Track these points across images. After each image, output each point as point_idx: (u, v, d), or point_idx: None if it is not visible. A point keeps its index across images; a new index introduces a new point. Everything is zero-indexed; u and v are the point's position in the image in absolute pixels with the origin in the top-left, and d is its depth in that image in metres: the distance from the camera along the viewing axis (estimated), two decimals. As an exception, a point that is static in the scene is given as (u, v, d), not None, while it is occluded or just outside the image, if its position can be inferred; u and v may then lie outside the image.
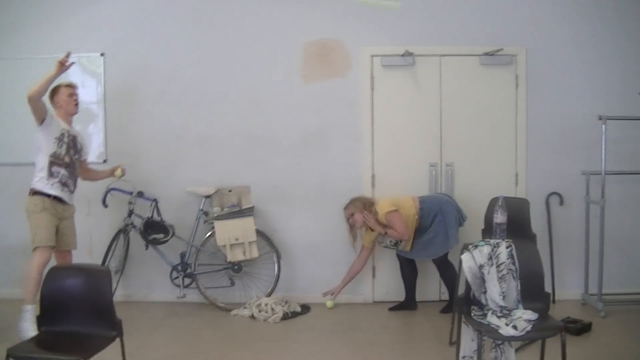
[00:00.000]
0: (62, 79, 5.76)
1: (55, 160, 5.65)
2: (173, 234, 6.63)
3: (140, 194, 6.67)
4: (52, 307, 4.16)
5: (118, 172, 6.27)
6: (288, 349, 5.59)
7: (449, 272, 6.45)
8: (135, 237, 6.70)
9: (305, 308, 6.67)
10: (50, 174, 5.62)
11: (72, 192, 5.84)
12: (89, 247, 6.73)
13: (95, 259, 6.59)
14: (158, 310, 6.67)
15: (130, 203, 6.67)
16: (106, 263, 6.44)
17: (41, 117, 5.56)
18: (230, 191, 6.83)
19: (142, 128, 6.99)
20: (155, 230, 6.58)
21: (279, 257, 6.79)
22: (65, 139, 5.73)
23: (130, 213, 6.66)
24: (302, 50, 6.90)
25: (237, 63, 6.93)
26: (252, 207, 6.82)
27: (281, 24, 6.93)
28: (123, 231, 6.69)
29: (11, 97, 6.72)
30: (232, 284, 6.79)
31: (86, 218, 6.73)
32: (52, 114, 5.71)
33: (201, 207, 6.75)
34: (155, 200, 6.68)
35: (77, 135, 5.91)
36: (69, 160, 5.75)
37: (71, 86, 5.91)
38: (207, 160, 6.95)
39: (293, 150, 6.94)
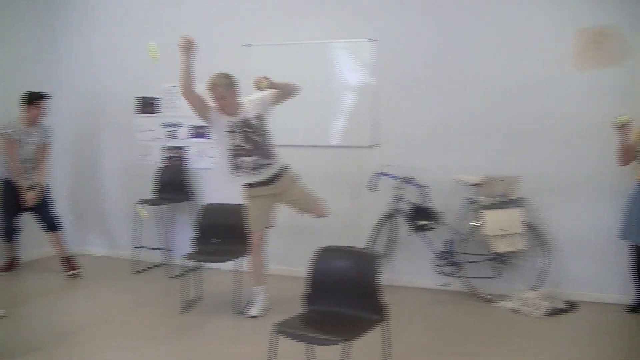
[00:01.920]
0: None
1: (236, 153, 5.79)
2: (440, 222, 6.59)
3: (409, 180, 6.70)
4: (319, 287, 4.25)
5: (264, 84, 5.88)
6: (550, 347, 5.32)
7: None
8: (402, 223, 6.75)
9: (572, 305, 6.30)
10: (236, 167, 5.81)
11: (267, 166, 5.86)
12: (355, 230, 6.86)
13: (362, 242, 6.69)
14: (421, 297, 6.69)
15: (398, 188, 6.72)
16: (371, 247, 6.56)
17: (201, 114, 5.79)
18: (499, 180, 6.62)
19: (412, 114, 6.98)
20: (422, 216, 6.59)
21: (547, 251, 6.49)
22: (238, 129, 5.77)
23: (399, 198, 6.72)
24: (575, 37, 6.46)
25: (507, 50, 6.66)
26: (521, 197, 6.57)
27: (550, 9, 6.54)
28: (390, 216, 6.78)
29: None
30: (497, 275, 6.60)
31: (354, 201, 6.87)
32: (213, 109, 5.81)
33: (469, 196, 6.63)
34: (424, 186, 6.67)
35: (248, 117, 5.81)
36: (251, 145, 5.81)
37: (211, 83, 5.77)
38: (475, 149, 6.79)
39: (565, 141, 6.53)
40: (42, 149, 7.27)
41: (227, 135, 5.76)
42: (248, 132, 5.76)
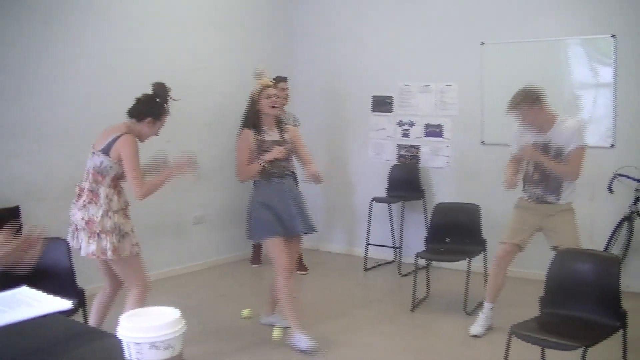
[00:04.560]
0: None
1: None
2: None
3: (645, 181, 6.40)
4: (557, 290, 4.20)
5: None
6: None
7: None
8: (640, 226, 6.45)
9: None
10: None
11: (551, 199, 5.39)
12: (590, 232, 6.63)
13: (597, 246, 6.44)
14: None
15: (637, 190, 6.45)
16: (608, 250, 6.33)
17: None
18: None
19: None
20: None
21: None
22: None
23: (637, 200, 6.45)
24: None
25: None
26: None
27: None
28: (627, 219, 6.51)
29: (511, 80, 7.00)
30: None
31: (589, 203, 6.66)
32: None
33: None
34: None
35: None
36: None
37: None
38: None
39: None
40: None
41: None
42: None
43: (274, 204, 5.21)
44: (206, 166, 6.49)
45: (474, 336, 5.46)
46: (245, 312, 5.98)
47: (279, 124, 5.40)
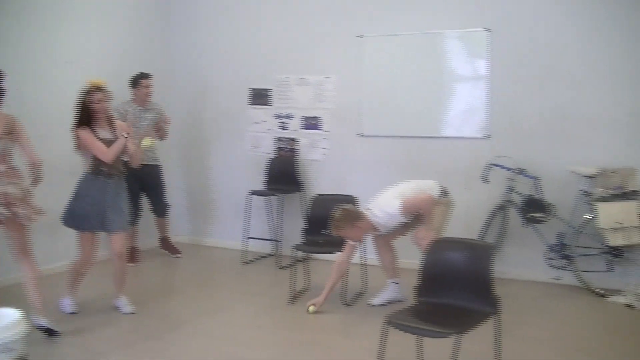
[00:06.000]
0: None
1: None
2: (552, 214, 6.48)
3: (521, 171, 6.61)
4: (432, 279, 4.24)
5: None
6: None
7: None
8: (513, 215, 6.68)
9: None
10: None
11: None
12: (467, 221, 6.81)
13: (473, 234, 6.68)
14: (531, 290, 6.61)
15: (510, 180, 6.65)
16: (482, 238, 6.52)
17: None
18: (614, 172, 6.43)
19: (526, 104, 6.88)
20: (535, 208, 6.51)
21: (664, 245, 6.30)
22: None
23: (510, 190, 6.65)
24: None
25: (624, 35, 6.47)
26: (638, 190, 6.36)
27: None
28: (502, 207, 6.73)
29: (389, 72, 7.09)
30: (611, 269, 6.44)
31: (465, 192, 6.84)
32: None
33: (583, 188, 6.48)
34: (536, 178, 6.58)
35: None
36: None
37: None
38: (591, 139, 6.63)
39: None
40: (158, 128, 7.55)
41: None
42: None
43: (93, 200, 5.52)
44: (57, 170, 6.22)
45: (372, 305, 5.97)
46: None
47: (110, 122, 5.63)
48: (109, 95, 5.59)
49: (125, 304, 5.83)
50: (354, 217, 5.68)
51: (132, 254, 7.47)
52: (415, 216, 5.74)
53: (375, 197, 5.87)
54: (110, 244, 5.68)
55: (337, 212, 5.65)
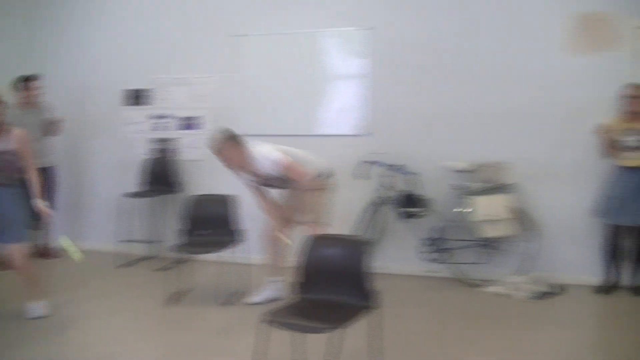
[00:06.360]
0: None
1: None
2: (429, 209, 6.63)
3: (398, 167, 6.73)
4: (309, 275, 4.26)
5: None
6: (539, 329, 5.37)
7: None
8: (391, 210, 6.80)
9: (559, 289, 6.36)
10: None
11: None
12: (347, 218, 6.86)
13: (351, 231, 6.73)
14: (410, 284, 6.73)
15: (388, 176, 6.76)
16: (361, 234, 6.61)
17: None
18: (487, 166, 6.65)
19: (403, 102, 7.01)
20: (411, 203, 6.65)
21: (535, 235, 6.55)
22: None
23: (388, 186, 6.76)
24: (568, 22, 6.51)
25: (501, 35, 6.72)
26: (509, 183, 6.62)
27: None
28: (379, 203, 6.83)
29: (268, 71, 7.06)
30: (486, 260, 6.66)
31: (346, 189, 6.89)
32: None
33: (456, 182, 6.66)
34: (413, 173, 6.70)
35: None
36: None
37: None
38: (466, 135, 6.83)
39: (554, 126, 6.61)
40: (47, 127, 7.41)
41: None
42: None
43: None
44: None
45: (252, 304, 5.89)
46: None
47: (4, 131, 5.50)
48: (4, 106, 5.49)
49: (35, 308, 5.66)
50: (236, 139, 5.70)
51: (45, 252, 7.59)
52: (287, 181, 5.76)
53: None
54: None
55: (219, 132, 5.68)
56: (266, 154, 5.65)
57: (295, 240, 5.22)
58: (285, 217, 5.93)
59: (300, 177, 5.64)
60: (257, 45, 7.39)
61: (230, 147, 5.66)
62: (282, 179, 5.75)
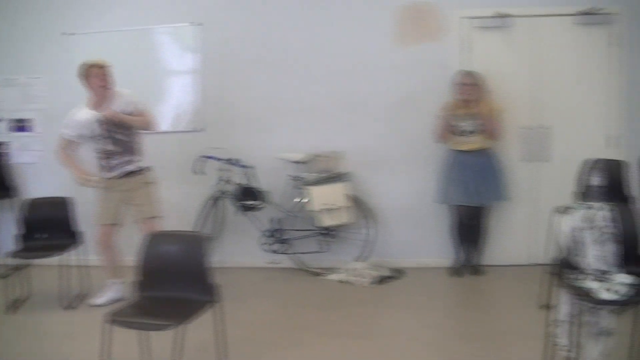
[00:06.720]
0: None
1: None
2: (267, 201, 6.76)
3: (233, 161, 6.81)
4: (150, 273, 4.27)
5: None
6: (381, 312, 5.67)
7: None
8: (229, 204, 6.90)
9: (398, 272, 6.68)
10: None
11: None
12: (184, 214, 6.89)
13: (189, 226, 6.76)
14: (252, 276, 6.85)
15: (223, 170, 6.83)
16: (199, 230, 6.65)
17: None
18: (322, 156, 6.88)
19: (237, 96, 7.12)
20: (249, 196, 6.75)
21: (372, 222, 6.83)
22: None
23: (224, 180, 6.84)
24: (395, 13, 6.84)
25: (330, 28, 6.96)
26: (345, 172, 6.87)
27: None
28: (216, 198, 6.90)
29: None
30: (325, 249, 6.87)
31: (181, 186, 6.92)
32: None
33: (293, 173, 6.84)
34: (249, 167, 6.81)
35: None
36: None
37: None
38: (300, 127, 7.02)
39: (386, 115, 6.92)
40: None
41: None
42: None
43: None
44: None
45: (100, 305, 5.79)
46: None
47: None
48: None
49: None
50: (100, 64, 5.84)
51: None
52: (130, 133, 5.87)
53: None
54: None
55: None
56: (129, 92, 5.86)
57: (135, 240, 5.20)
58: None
59: (152, 121, 5.91)
60: (89, 44, 7.21)
61: (88, 71, 5.84)
62: (125, 129, 5.80)
